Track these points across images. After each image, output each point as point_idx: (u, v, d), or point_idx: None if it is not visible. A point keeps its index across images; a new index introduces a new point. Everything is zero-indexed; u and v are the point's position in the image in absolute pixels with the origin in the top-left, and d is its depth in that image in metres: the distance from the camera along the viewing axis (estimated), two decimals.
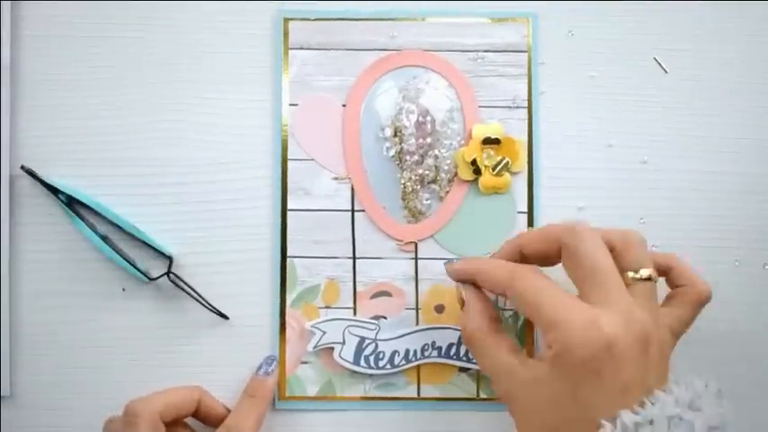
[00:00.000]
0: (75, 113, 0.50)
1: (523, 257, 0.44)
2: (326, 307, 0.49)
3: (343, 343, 0.49)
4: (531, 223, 0.50)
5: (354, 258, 0.49)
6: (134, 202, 0.50)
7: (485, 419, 0.49)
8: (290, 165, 0.49)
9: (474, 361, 0.49)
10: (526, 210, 0.50)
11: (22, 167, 0.48)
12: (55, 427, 0.49)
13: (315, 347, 0.49)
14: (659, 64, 0.51)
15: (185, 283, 0.49)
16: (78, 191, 0.49)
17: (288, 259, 0.49)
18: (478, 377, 0.49)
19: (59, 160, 0.50)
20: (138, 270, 0.48)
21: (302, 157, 0.49)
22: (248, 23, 0.50)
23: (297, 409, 0.49)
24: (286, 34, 0.50)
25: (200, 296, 0.49)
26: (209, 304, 0.49)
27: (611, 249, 0.40)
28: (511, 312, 0.50)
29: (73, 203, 0.49)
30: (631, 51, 0.51)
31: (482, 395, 0.49)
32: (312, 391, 0.49)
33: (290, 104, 0.50)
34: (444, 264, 0.45)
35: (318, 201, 0.49)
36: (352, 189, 0.49)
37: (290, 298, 0.49)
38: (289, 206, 0.49)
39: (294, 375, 0.49)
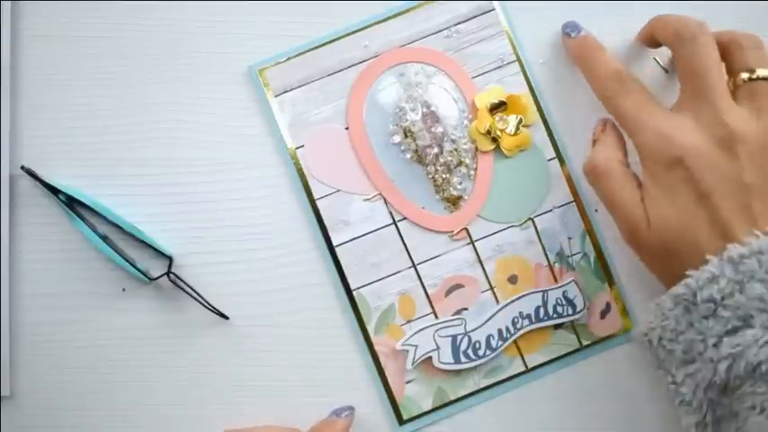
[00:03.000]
0: (74, 113, 0.50)
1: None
2: (408, 321, 0.50)
3: (438, 348, 0.49)
4: (564, 167, 0.50)
5: (415, 266, 0.50)
6: (134, 202, 0.50)
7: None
8: (318, 204, 0.49)
9: (566, 313, 0.49)
10: (554, 155, 0.50)
11: (22, 167, 0.48)
12: (55, 427, 0.49)
13: (413, 364, 0.49)
14: (659, 64, 0.51)
15: (185, 283, 0.49)
16: (78, 191, 0.49)
17: (354, 293, 0.49)
18: (574, 328, 0.50)
19: (59, 160, 0.50)
20: (138, 270, 0.48)
21: (328, 193, 0.50)
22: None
23: (419, 428, 0.49)
24: (267, 84, 0.50)
25: (200, 296, 0.49)
26: (209, 304, 0.49)
27: (724, 50, 0.40)
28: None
29: (73, 203, 0.49)
30: (631, 51, 0.51)
31: (584, 342, 0.50)
32: (426, 404, 0.49)
33: (297, 147, 0.50)
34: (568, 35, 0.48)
35: (359, 226, 0.50)
36: (386, 203, 0.50)
37: (370, 328, 0.49)
38: (334, 243, 0.49)
39: (404, 398, 0.49)
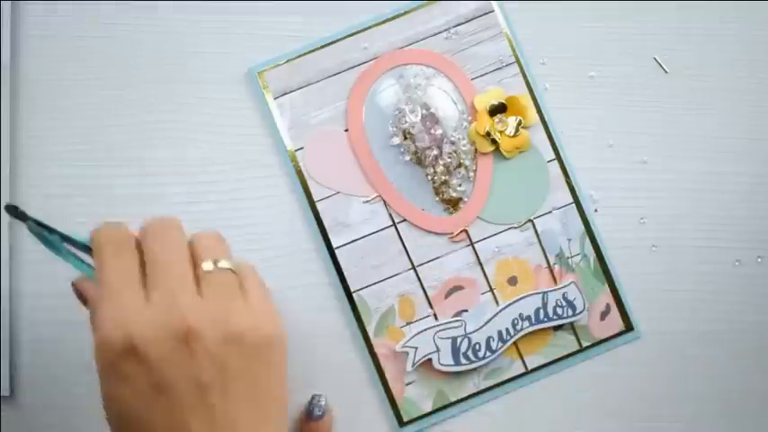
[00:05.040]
0: (75, 113, 0.50)
1: None
2: (408, 323, 0.50)
3: (438, 350, 0.49)
4: (564, 169, 0.50)
5: (414, 268, 0.50)
6: (134, 203, 0.50)
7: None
8: (318, 206, 0.50)
9: (566, 314, 0.50)
10: (554, 156, 0.50)
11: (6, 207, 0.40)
12: (55, 427, 0.49)
13: (413, 366, 0.49)
14: (659, 64, 0.51)
15: None
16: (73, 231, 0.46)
17: (354, 294, 0.49)
18: (574, 330, 0.50)
19: (59, 160, 0.50)
20: None
21: (327, 195, 0.50)
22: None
23: (420, 430, 0.49)
24: (266, 87, 0.50)
25: None
26: None
27: (190, 246, 0.38)
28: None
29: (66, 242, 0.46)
30: (631, 51, 0.51)
31: (584, 344, 0.50)
32: (427, 406, 0.49)
33: (296, 149, 0.50)
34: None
35: (359, 228, 0.50)
36: (386, 205, 0.50)
37: (370, 329, 0.49)
38: (334, 245, 0.50)
39: (404, 399, 0.49)
